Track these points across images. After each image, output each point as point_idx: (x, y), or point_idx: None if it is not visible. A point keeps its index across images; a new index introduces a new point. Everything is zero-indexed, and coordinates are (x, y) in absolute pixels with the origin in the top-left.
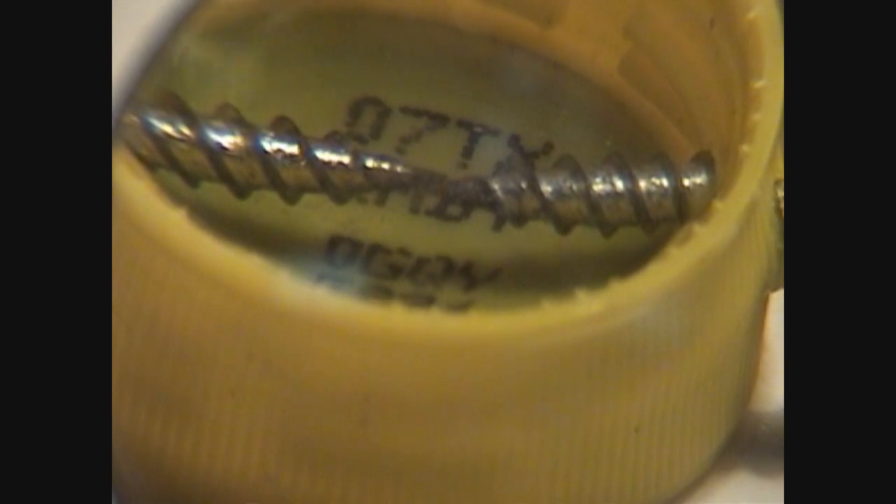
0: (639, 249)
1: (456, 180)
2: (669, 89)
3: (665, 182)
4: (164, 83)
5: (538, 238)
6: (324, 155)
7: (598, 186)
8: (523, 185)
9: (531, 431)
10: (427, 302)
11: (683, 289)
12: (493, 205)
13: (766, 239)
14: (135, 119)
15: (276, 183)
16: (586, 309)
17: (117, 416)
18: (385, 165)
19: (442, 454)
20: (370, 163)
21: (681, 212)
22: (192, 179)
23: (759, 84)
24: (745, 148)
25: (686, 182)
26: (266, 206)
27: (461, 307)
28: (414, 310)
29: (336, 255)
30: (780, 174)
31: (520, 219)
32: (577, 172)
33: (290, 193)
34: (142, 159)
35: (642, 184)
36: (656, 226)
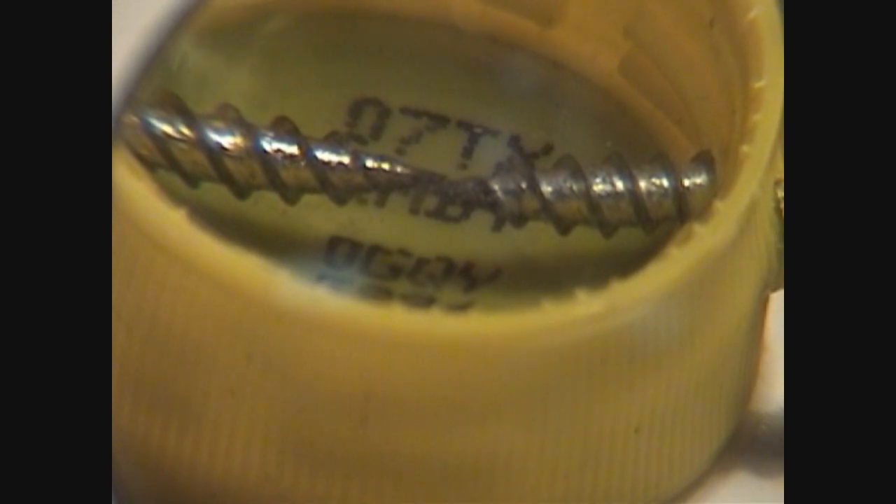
0: (639, 249)
1: (456, 181)
2: (669, 89)
3: (665, 182)
4: (165, 84)
5: (538, 238)
6: (324, 155)
7: (598, 186)
8: (523, 185)
9: (531, 431)
10: (427, 302)
11: (683, 289)
12: (493, 205)
13: (766, 239)
14: (135, 119)
15: (276, 183)
16: (586, 309)
17: (117, 416)
18: (385, 166)
19: (442, 454)
20: (370, 163)
21: (681, 212)
22: (192, 179)
23: (759, 84)
24: (745, 148)
25: (686, 182)
26: (266, 206)
27: (461, 307)
28: (414, 310)
29: (336, 255)
30: (780, 174)
31: (520, 219)
32: (577, 173)
33: (290, 194)
34: (142, 159)
35: (642, 184)
36: (656, 226)
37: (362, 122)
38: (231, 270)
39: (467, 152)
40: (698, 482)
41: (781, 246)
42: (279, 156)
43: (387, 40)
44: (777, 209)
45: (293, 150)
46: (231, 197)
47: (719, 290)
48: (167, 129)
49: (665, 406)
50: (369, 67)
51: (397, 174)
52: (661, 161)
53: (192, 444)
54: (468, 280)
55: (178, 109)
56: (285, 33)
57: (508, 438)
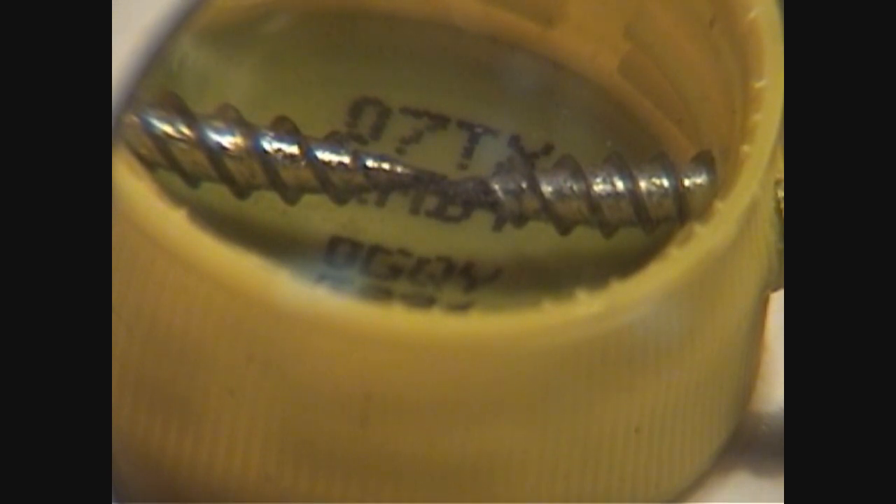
0: (639, 249)
1: (456, 181)
2: (669, 89)
3: (665, 182)
4: (165, 84)
5: (538, 238)
6: (324, 155)
7: (599, 186)
8: (523, 185)
9: (531, 431)
10: (427, 302)
11: (683, 289)
12: (493, 205)
13: (766, 239)
14: (135, 119)
15: (276, 183)
16: (586, 309)
17: (117, 416)
18: (385, 166)
19: (442, 454)
20: (370, 163)
21: (681, 212)
22: (192, 179)
23: (759, 84)
24: (745, 148)
25: (686, 182)
26: (266, 206)
27: (461, 308)
28: (414, 310)
29: (336, 255)
30: (780, 174)
31: (520, 219)
32: (578, 173)
33: (290, 193)
34: (142, 159)
35: (642, 184)
36: (656, 226)
37: (362, 122)
38: (231, 270)
39: (467, 152)
40: (698, 482)
41: (781, 246)
42: (279, 156)
43: (387, 40)
44: (777, 209)
45: (293, 150)
46: (231, 197)
47: (719, 290)
48: (167, 129)
49: (665, 406)
50: (369, 67)
51: (397, 174)
52: (661, 161)
53: (192, 444)
54: (468, 280)
55: (179, 109)
56: (285, 33)
57: (508, 438)
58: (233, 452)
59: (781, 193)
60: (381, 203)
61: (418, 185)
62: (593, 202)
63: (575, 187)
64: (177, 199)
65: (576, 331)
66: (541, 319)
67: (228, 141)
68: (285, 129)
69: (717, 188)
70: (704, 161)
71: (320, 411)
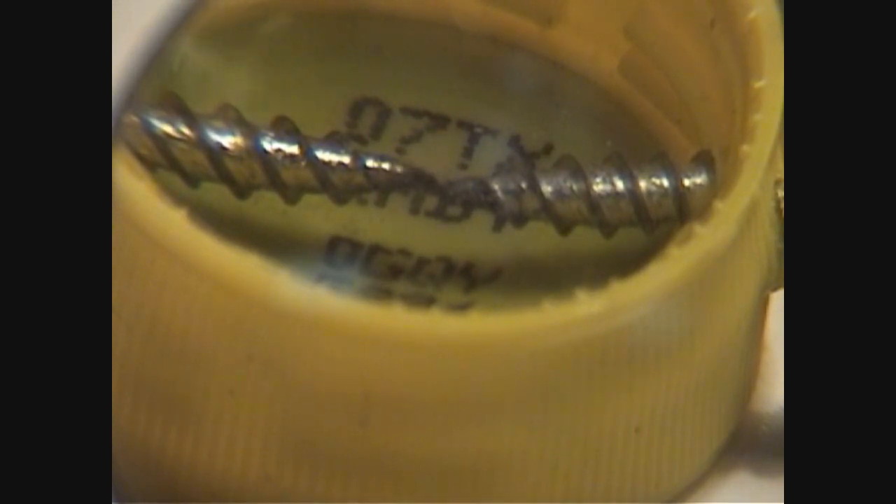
0: (639, 249)
1: (456, 181)
2: (669, 89)
3: (665, 182)
4: (165, 84)
5: (538, 238)
6: (324, 155)
7: (599, 186)
8: (523, 185)
9: (531, 431)
10: (427, 302)
11: (683, 289)
12: (493, 205)
13: (766, 239)
14: (135, 119)
15: (276, 183)
16: (586, 309)
17: (117, 416)
18: (385, 166)
19: (442, 454)
20: (370, 163)
21: (681, 212)
22: (192, 179)
23: (759, 84)
24: (745, 148)
25: (686, 182)
26: (266, 206)
27: (461, 308)
28: (414, 310)
29: (336, 255)
30: (780, 174)
31: (520, 219)
32: (577, 172)
33: (290, 193)
34: (142, 159)
35: (642, 184)
36: (656, 226)
37: (362, 122)
38: (231, 270)
39: (467, 152)
40: (698, 482)
41: (781, 246)
42: (279, 156)
43: (387, 40)
44: (777, 209)
45: (293, 150)
46: (231, 197)
47: (719, 290)
48: (167, 129)
49: (665, 406)
50: (369, 67)
51: (397, 174)
52: (661, 161)
53: (192, 444)
54: (468, 280)
55: (179, 109)
56: (285, 33)
57: (508, 438)
58: (233, 452)
59: (781, 193)
60: (381, 203)
61: (418, 185)
62: (593, 202)
63: (575, 187)
64: (177, 199)
65: (576, 331)
66: (541, 319)
67: (228, 141)
68: (285, 129)
69: (716, 188)
70: (704, 161)
71: (320, 411)
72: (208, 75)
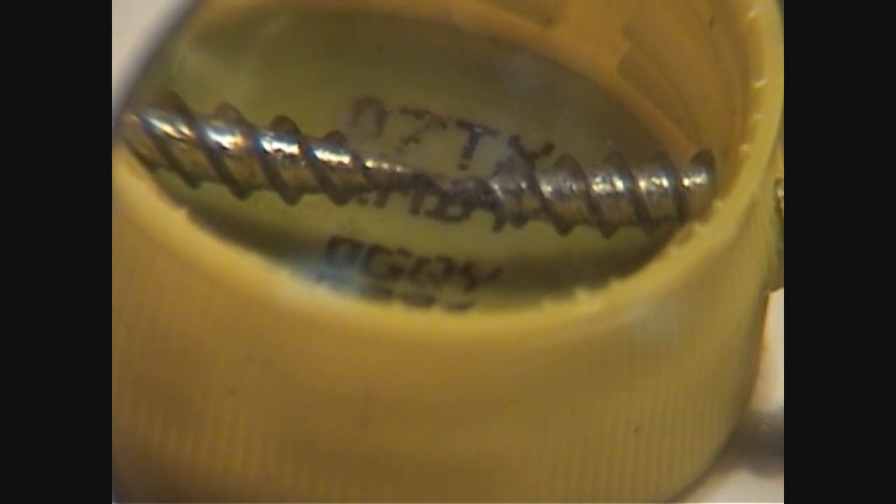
0: (639, 249)
1: (456, 181)
2: (669, 89)
3: (665, 182)
4: (165, 84)
5: (538, 238)
6: (324, 155)
7: (598, 186)
8: (523, 185)
9: (531, 431)
10: (427, 302)
11: (683, 289)
12: (493, 205)
13: (766, 239)
14: (135, 119)
15: (276, 183)
16: (586, 309)
17: (117, 416)
18: (385, 165)
19: (442, 454)
20: (370, 163)
21: (681, 212)
22: (192, 179)
23: (759, 84)
24: (745, 148)
25: (686, 182)
26: (266, 206)
27: (461, 307)
28: (414, 310)
29: (336, 255)
30: (780, 174)
31: (520, 219)
32: (577, 172)
33: (290, 193)
34: (142, 159)
35: (642, 184)
36: (656, 226)
37: (362, 122)
38: (231, 270)
39: (467, 152)
40: (698, 482)
41: (781, 246)
42: (279, 156)
43: (387, 40)
44: (777, 209)
45: (293, 149)
46: (231, 197)
47: (719, 289)
48: (167, 128)
49: (665, 406)
50: (369, 67)
51: (397, 174)
52: (661, 161)
53: (192, 444)
54: (468, 280)
55: (179, 109)
56: (285, 33)
57: (508, 438)
58: (233, 452)
59: (781, 193)
60: (381, 203)
61: (418, 185)
62: (593, 202)
63: (575, 187)
64: (177, 199)
65: (576, 331)
66: (541, 319)
67: (228, 141)
68: (285, 129)
69: (716, 188)
70: (704, 161)
71: (320, 411)
72: (208, 75)
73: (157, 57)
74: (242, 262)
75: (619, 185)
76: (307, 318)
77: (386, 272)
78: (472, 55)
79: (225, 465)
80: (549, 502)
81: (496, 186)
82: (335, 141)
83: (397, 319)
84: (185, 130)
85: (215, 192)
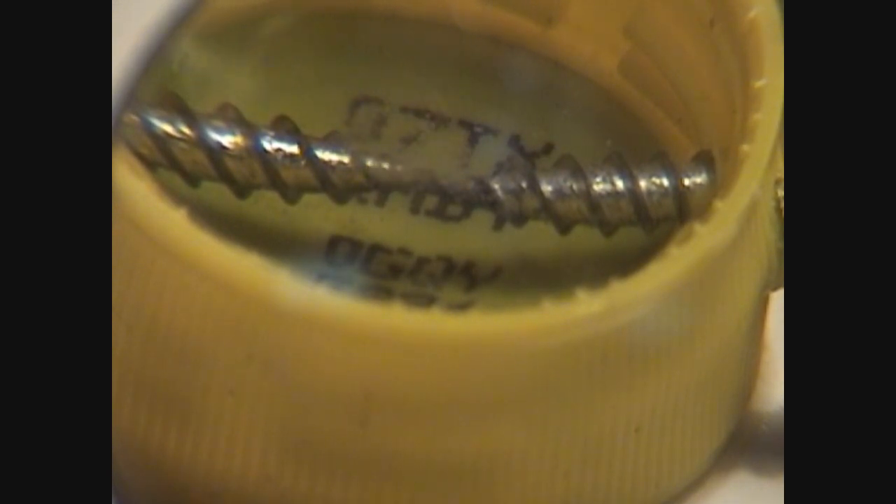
0: (639, 249)
1: (456, 181)
2: (669, 89)
3: (665, 182)
4: (165, 83)
5: (538, 238)
6: (324, 155)
7: (599, 186)
8: (523, 185)
9: (531, 431)
10: (427, 302)
11: (683, 289)
12: (493, 205)
13: (766, 239)
14: (135, 118)
15: (276, 183)
16: (586, 309)
17: (117, 416)
18: (385, 165)
19: (442, 454)
20: (370, 163)
21: (681, 211)
22: (192, 179)
23: (759, 84)
24: (745, 147)
25: (686, 182)
26: (266, 206)
27: (462, 307)
28: (414, 310)
29: (336, 255)
30: (780, 174)
31: (520, 219)
32: (577, 172)
33: (290, 193)
34: (142, 159)
35: (642, 184)
36: (656, 226)
37: (362, 122)
38: (231, 270)
39: (467, 152)
40: (698, 482)
41: (781, 245)
42: (279, 155)
43: (387, 40)
44: (777, 209)
45: (293, 149)
46: (231, 196)
47: (719, 289)
48: (167, 128)
49: (665, 406)
50: (369, 67)
51: (397, 174)
52: (661, 161)
53: (192, 444)
54: (468, 279)
55: (179, 109)
56: (285, 33)
57: (508, 438)
58: (233, 452)
59: (781, 193)
60: (381, 202)
61: (418, 185)
62: (593, 202)
63: (575, 187)
64: (177, 198)
65: (576, 331)
66: (541, 319)
67: (228, 140)
68: (285, 128)
69: (716, 188)
70: (704, 161)
71: (320, 411)
72: (208, 75)
73: (158, 56)
74: (242, 262)
75: (620, 184)
76: (307, 318)
77: (386, 272)
78: (472, 55)
79: (225, 465)
80: (549, 502)
81: (496, 186)
82: (335, 140)
83: (397, 319)
84: (186, 130)
85: (215, 192)
